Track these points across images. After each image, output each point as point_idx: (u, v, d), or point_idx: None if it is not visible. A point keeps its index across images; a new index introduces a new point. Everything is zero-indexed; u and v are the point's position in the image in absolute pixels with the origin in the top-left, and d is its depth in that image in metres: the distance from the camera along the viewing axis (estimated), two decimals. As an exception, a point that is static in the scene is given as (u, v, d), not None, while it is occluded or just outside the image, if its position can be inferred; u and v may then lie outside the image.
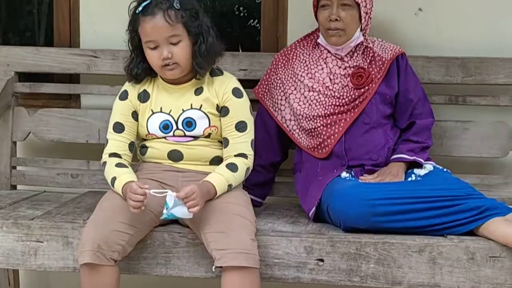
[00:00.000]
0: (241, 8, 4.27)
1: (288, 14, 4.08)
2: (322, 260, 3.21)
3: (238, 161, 3.31)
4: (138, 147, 3.46)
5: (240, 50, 4.17)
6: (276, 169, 3.81)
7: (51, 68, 4.07)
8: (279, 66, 3.71)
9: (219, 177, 3.24)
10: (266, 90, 3.72)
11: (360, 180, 3.44)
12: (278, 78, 3.69)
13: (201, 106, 3.33)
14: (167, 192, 3.09)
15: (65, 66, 4.05)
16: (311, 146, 3.60)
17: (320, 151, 3.57)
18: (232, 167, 3.29)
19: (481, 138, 3.82)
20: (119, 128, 3.37)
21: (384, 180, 3.43)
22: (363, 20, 3.55)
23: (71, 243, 3.33)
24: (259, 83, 3.77)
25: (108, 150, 3.37)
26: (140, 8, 3.26)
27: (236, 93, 3.36)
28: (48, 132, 4.06)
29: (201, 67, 3.30)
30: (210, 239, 3.10)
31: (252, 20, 4.25)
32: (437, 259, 3.15)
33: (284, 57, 3.72)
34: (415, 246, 3.17)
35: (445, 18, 3.96)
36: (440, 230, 3.21)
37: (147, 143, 3.41)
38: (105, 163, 3.34)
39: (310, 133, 3.59)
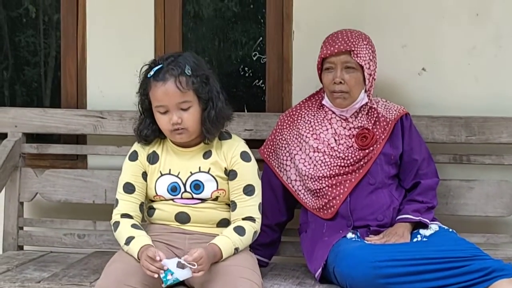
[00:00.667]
0: (246, 69, 4.32)
1: (292, 74, 4.12)
2: (326, 324, 3.22)
3: (246, 225, 3.33)
4: (146, 208, 3.48)
5: (246, 110, 4.21)
6: (282, 228, 3.82)
7: (58, 129, 4.11)
8: (284, 127, 3.74)
9: (226, 240, 3.25)
10: (272, 151, 3.75)
11: (366, 241, 3.45)
12: (283, 138, 3.72)
13: (209, 169, 3.36)
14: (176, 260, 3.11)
15: (72, 127, 4.09)
16: (316, 207, 3.61)
17: (325, 211, 3.59)
18: (240, 231, 3.30)
19: (486, 197, 3.83)
20: (129, 188, 3.39)
21: (390, 241, 3.44)
22: (367, 82, 3.59)
23: (77, 306, 3.35)
24: (264, 143, 3.80)
25: (119, 210, 3.38)
26: (151, 73, 3.30)
27: (244, 157, 3.39)
28: (55, 192, 4.08)
29: (209, 133, 3.33)
30: (216, 302, 3.11)
31: (257, 81, 4.29)
32: (443, 321, 3.15)
33: (289, 118, 3.75)
34: (421, 308, 3.17)
35: (448, 77, 4.00)
36: (447, 292, 3.22)
37: (155, 205, 3.43)
38: (117, 223, 3.35)
39: (316, 194, 3.61)
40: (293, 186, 3.68)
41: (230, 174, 3.38)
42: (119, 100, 4.18)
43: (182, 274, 3.11)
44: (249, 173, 3.40)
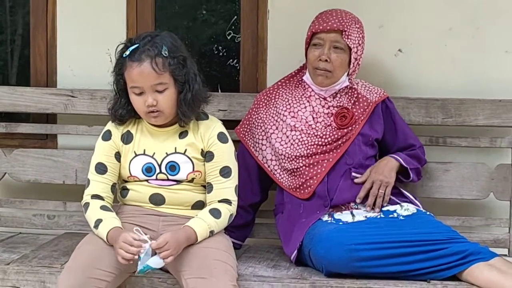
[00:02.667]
0: (220, 48, 4.25)
1: (267, 54, 4.06)
2: (304, 306, 3.17)
3: (222, 207, 3.27)
4: (119, 189, 3.40)
5: (219, 90, 4.14)
6: (256, 210, 3.77)
7: (27, 108, 4.01)
8: (261, 106, 3.68)
9: (201, 223, 3.20)
10: (247, 130, 3.69)
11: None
12: (259, 118, 3.66)
13: (185, 150, 3.29)
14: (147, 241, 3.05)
15: (42, 105, 4.00)
16: (293, 186, 3.56)
17: (302, 191, 3.54)
18: (215, 213, 3.24)
19: (462, 179, 3.81)
20: (101, 169, 3.32)
21: (375, 182, 3.46)
22: (351, 65, 3.55)
23: (48, 288, 3.28)
24: (240, 123, 3.74)
25: (90, 191, 3.31)
26: (127, 52, 3.21)
27: (221, 138, 3.33)
28: (24, 172, 3.99)
29: (185, 116, 3.26)
30: (191, 284, 3.05)
31: (231, 60, 4.22)
32: (420, 305, 3.13)
33: (265, 97, 3.70)
34: (398, 291, 3.14)
35: (425, 59, 3.96)
36: (423, 275, 3.19)
37: (128, 186, 3.36)
38: (87, 204, 3.28)
39: (292, 173, 3.56)
40: (268, 166, 3.63)
41: (207, 156, 3.32)
42: (90, 79, 4.09)
43: (154, 262, 3.05)
44: (226, 154, 3.34)
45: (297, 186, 3.55)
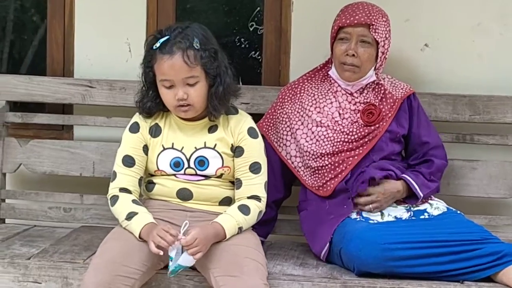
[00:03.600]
0: (242, 40, 4.15)
1: (291, 46, 3.98)
2: (334, 305, 3.11)
3: (251, 204, 3.20)
4: (144, 183, 3.32)
5: (241, 83, 4.04)
6: (279, 206, 3.69)
7: (44, 98, 3.92)
8: (286, 100, 3.60)
9: (230, 219, 3.12)
10: (271, 125, 3.61)
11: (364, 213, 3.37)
12: (284, 112, 3.58)
13: (215, 145, 3.22)
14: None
15: (59, 96, 3.91)
16: (316, 185, 3.49)
17: (324, 189, 3.47)
18: (244, 210, 3.17)
19: (489, 177, 3.75)
20: (129, 162, 3.23)
21: (378, 207, 3.36)
22: (378, 60, 3.47)
23: (71, 284, 3.21)
24: (263, 117, 3.66)
25: (117, 184, 3.23)
26: (157, 44, 3.12)
27: (251, 133, 3.25)
28: (40, 164, 3.90)
29: (216, 110, 3.19)
30: (221, 282, 2.98)
31: (253, 52, 4.13)
32: (453, 306, 3.07)
33: (291, 91, 3.61)
34: (431, 292, 3.08)
35: (451, 55, 3.89)
36: (456, 276, 3.13)
37: (155, 179, 3.28)
38: (115, 197, 3.20)
39: (316, 172, 3.49)
40: (292, 163, 3.55)
41: (236, 151, 3.24)
42: (109, 69, 4.01)
43: (185, 260, 2.98)
44: (256, 150, 3.26)
45: (320, 184, 3.47)
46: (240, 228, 3.14)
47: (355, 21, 3.43)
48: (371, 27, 3.43)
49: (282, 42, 3.99)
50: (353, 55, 3.44)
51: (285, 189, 3.66)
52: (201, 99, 3.15)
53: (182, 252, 2.98)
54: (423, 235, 3.15)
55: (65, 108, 4.06)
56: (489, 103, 3.75)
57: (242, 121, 3.27)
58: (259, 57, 4.09)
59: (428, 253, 3.11)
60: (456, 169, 3.75)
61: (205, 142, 3.22)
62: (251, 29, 4.12)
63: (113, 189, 3.24)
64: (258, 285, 2.95)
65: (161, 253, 2.97)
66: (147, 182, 3.31)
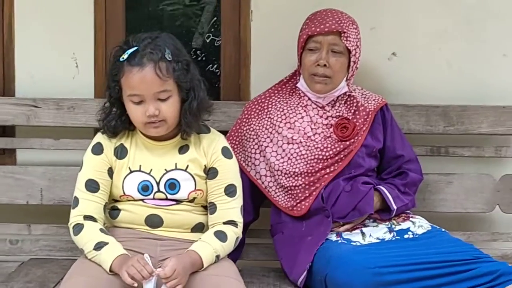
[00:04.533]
0: (198, 52, 3.93)
1: (251, 59, 3.73)
2: (321, 338, 2.88)
3: (228, 230, 2.95)
4: (108, 209, 3.03)
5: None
6: (246, 229, 3.43)
7: (-17, 120, 3.59)
8: (252, 116, 3.36)
9: (207, 247, 2.87)
10: (237, 143, 3.37)
11: (352, 242, 3.13)
12: (251, 129, 3.34)
13: (187, 166, 2.96)
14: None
15: (1, 117, 3.59)
16: (289, 205, 3.26)
17: (298, 209, 3.25)
18: (221, 236, 2.92)
19: (465, 191, 3.59)
20: (93, 186, 2.94)
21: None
22: (350, 69, 3.27)
23: (30, 327, 2.88)
24: (228, 134, 3.40)
25: (81, 211, 2.93)
26: (125, 56, 2.85)
27: (226, 153, 3.01)
28: (-20, 192, 3.56)
29: (190, 126, 2.94)
30: (201, 317, 2.72)
31: (211, 65, 3.90)
32: (450, 331, 2.87)
33: (257, 106, 3.38)
34: (426, 318, 2.88)
35: (420, 62, 3.72)
36: (452, 299, 2.94)
37: (120, 205, 3.00)
38: (80, 225, 2.91)
39: (289, 191, 3.26)
40: (262, 183, 3.32)
41: (210, 173, 2.99)
42: (54, 87, 3.71)
43: None
44: (231, 171, 3.02)
45: (294, 204, 3.26)
46: (217, 256, 2.89)
47: (326, 29, 3.23)
48: (342, 35, 3.23)
49: (242, 54, 3.74)
50: (325, 65, 3.24)
51: (254, 212, 3.43)
52: (174, 114, 2.89)
53: (157, 285, 2.72)
54: (415, 257, 2.95)
55: (6, 130, 3.72)
56: (463, 114, 3.59)
57: (215, 141, 3.02)
58: (217, 70, 3.84)
59: (421, 276, 2.91)
60: (432, 184, 3.58)
61: (176, 164, 2.96)
62: (207, 41, 3.88)
63: (76, 216, 2.94)
64: (242, 319, 2.71)
65: (135, 284, 2.70)
66: (110, 208, 3.03)
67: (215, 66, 3.88)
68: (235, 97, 3.73)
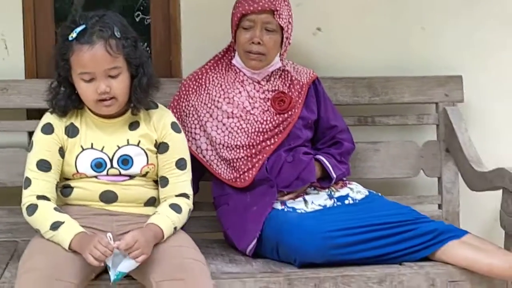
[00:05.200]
0: (129, 31, 3.91)
1: (181, 36, 3.80)
2: (279, 301, 3.00)
3: (181, 202, 3.03)
4: (59, 188, 3.04)
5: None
6: (186, 203, 3.52)
7: None
8: (190, 92, 3.44)
9: (166, 219, 2.94)
10: (176, 118, 3.41)
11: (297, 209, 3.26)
12: (190, 105, 3.42)
13: (139, 142, 3.01)
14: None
15: None
16: (232, 177, 3.36)
17: (242, 180, 3.35)
18: (176, 208, 3.00)
19: (392, 158, 3.77)
20: (44, 166, 2.95)
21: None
22: (283, 46, 3.39)
23: (-11, 309, 2.88)
24: (166, 111, 3.47)
25: (33, 191, 2.94)
26: (74, 35, 2.86)
27: (175, 128, 3.08)
28: None
29: (140, 102, 2.99)
30: (166, 287, 2.78)
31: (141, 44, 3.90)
32: (398, 289, 3.05)
33: (194, 83, 3.46)
34: (375, 277, 3.05)
35: (344, 37, 3.87)
36: (396, 258, 3.12)
37: (73, 183, 3.02)
38: (33, 206, 2.91)
39: (232, 164, 3.36)
40: (204, 157, 3.41)
41: (161, 147, 3.05)
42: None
43: (126, 266, 2.79)
44: (181, 145, 3.10)
45: (237, 176, 3.36)
46: (175, 228, 2.97)
47: (259, 8, 3.32)
48: (275, 13, 3.34)
49: (172, 32, 3.81)
50: (259, 42, 3.34)
51: (194, 186, 3.48)
52: (125, 91, 2.94)
53: (121, 257, 2.78)
54: (360, 221, 3.11)
55: None
56: (387, 84, 3.77)
57: (164, 116, 3.09)
58: (148, 48, 3.87)
59: (368, 238, 3.07)
60: (360, 152, 3.73)
61: (128, 140, 3.01)
62: (137, 19, 3.90)
63: (29, 196, 2.95)
64: (207, 286, 2.81)
65: (102, 264, 2.76)
66: (62, 187, 3.05)
67: (146, 44, 3.88)
68: (167, 74, 3.79)
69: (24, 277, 2.75)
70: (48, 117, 3.03)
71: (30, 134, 3.60)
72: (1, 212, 3.58)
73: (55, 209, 2.92)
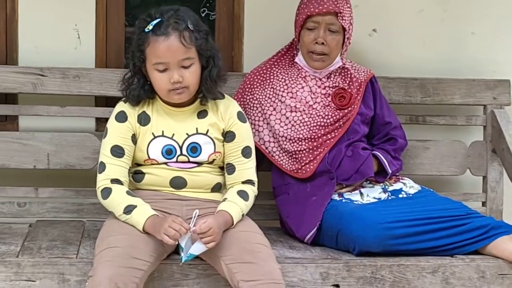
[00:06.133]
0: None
1: (244, 32, 3.98)
2: (338, 286, 3.18)
3: (247, 189, 3.21)
4: (130, 173, 3.23)
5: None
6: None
7: (-11, 87, 3.71)
8: (255, 86, 3.62)
9: (234, 206, 3.12)
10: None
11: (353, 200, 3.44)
12: (254, 98, 3.60)
13: (207, 131, 3.19)
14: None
15: (8, 85, 3.70)
16: (294, 168, 3.54)
17: (304, 171, 3.52)
18: (244, 195, 3.17)
19: (440, 156, 3.94)
20: (118, 152, 3.13)
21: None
22: (344, 46, 3.57)
23: (67, 281, 3.06)
24: (231, 103, 3.65)
25: (108, 175, 3.12)
26: (150, 27, 3.05)
27: (240, 117, 3.26)
28: (-11, 157, 3.70)
29: (209, 92, 3.16)
30: (235, 269, 2.97)
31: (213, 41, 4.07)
32: (450, 279, 3.22)
33: (259, 77, 3.63)
34: (429, 267, 3.21)
35: (398, 39, 4.05)
36: (448, 250, 3.28)
37: (144, 169, 3.20)
38: (108, 189, 3.09)
39: (293, 156, 3.53)
40: (266, 148, 3.58)
41: (227, 136, 3.23)
42: (57, 57, 3.84)
43: (197, 249, 2.96)
44: (247, 134, 3.27)
45: (299, 167, 3.53)
46: (243, 214, 3.15)
47: (324, 10, 3.49)
48: (338, 15, 3.50)
49: (235, 28, 3.99)
50: (322, 43, 3.50)
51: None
52: (196, 81, 3.11)
53: (192, 241, 2.96)
54: (416, 213, 3.27)
55: (8, 98, 3.85)
56: (439, 86, 3.95)
57: (231, 106, 3.26)
58: (212, 43, 4.05)
59: (424, 230, 3.23)
60: (410, 149, 3.90)
61: (196, 128, 3.19)
62: (203, 15, 4.07)
63: (103, 180, 3.12)
64: (275, 269, 2.97)
65: (176, 243, 2.94)
66: (134, 172, 3.23)
67: (210, 39, 4.07)
68: (228, 69, 3.86)
69: (103, 253, 2.93)
70: (121, 106, 3.21)
71: (98, 120, 3.81)
72: (70, 193, 3.75)
73: (127, 192, 3.09)
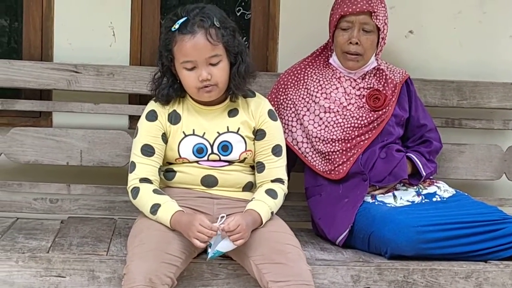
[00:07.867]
0: (230, 25, 4.07)
1: (279, 32, 3.96)
2: (369, 289, 3.15)
3: (277, 187, 3.18)
4: (162, 171, 3.22)
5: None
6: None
7: (26, 83, 3.72)
8: (289, 86, 3.59)
9: (263, 205, 3.09)
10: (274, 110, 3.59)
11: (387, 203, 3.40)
12: (288, 98, 3.57)
13: (238, 129, 3.17)
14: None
15: (43, 81, 3.72)
16: (327, 169, 3.51)
17: (336, 173, 3.49)
18: (273, 194, 3.15)
19: (476, 161, 3.90)
20: (148, 151, 3.13)
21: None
22: (379, 46, 3.53)
23: (97, 277, 3.06)
24: (264, 102, 3.62)
25: (137, 174, 3.12)
26: (176, 26, 3.04)
27: (271, 115, 3.24)
28: (23, 153, 3.70)
29: (238, 89, 3.15)
30: (264, 270, 2.95)
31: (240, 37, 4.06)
32: (483, 285, 3.18)
33: (293, 77, 3.61)
34: (462, 272, 3.18)
35: (434, 41, 4.00)
36: (482, 256, 3.24)
37: (176, 167, 3.19)
38: (136, 188, 3.10)
39: (326, 157, 3.51)
40: (299, 148, 3.56)
41: (258, 134, 3.21)
42: (92, 54, 3.85)
43: (224, 246, 2.94)
44: (277, 132, 3.25)
45: (332, 168, 3.50)
46: (272, 213, 3.13)
47: (358, 9, 3.46)
48: (372, 14, 3.47)
49: (270, 28, 3.97)
50: (356, 43, 3.47)
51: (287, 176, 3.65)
52: (225, 78, 3.10)
53: (221, 238, 2.95)
54: (449, 217, 3.23)
55: (42, 94, 3.87)
56: (475, 89, 3.90)
57: (262, 104, 3.24)
58: (246, 42, 4.02)
59: (457, 234, 3.19)
60: (445, 153, 3.86)
61: (227, 127, 3.17)
62: (238, 14, 4.06)
63: (133, 180, 3.13)
64: (305, 271, 2.95)
65: (204, 246, 2.94)
66: (165, 170, 3.23)
67: (244, 38, 4.02)
68: (263, 68, 3.94)
69: (136, 250, 2.93)
70: (152, 105, 3.20)
71: (131, 117, 3.82)
72: (102, 190, 3.76)
73: (154, 191, 3.08)
